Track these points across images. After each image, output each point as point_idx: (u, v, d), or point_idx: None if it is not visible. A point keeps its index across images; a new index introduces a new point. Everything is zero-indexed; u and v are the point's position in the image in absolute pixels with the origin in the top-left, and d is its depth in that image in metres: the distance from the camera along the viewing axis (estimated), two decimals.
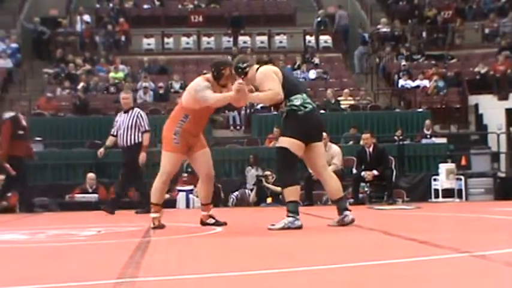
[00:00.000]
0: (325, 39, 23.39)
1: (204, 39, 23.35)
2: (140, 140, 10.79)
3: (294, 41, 23.51)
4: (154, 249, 5.19)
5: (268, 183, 13.62)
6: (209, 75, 6.88)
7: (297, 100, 6.50)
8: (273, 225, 6.46)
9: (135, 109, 11.10)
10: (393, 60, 21.72)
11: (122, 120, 10.87)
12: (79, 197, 13.51)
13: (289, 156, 6.44)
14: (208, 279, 3.63)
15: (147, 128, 10.86)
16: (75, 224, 8.65)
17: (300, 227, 6.41)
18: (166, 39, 23.26)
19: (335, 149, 13.20)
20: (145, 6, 25.16)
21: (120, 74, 20.41)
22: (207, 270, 3.92)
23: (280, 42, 23.64)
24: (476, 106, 19.38)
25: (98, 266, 4.30)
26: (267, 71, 6.62)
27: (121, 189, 11.34)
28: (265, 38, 23.66)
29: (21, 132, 12.15)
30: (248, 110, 18.48)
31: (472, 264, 3.94)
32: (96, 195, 13.42)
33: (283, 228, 6.35)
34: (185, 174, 14.28)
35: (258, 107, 18.29)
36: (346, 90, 18.98)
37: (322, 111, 17.61)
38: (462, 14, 23.76)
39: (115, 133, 10.94)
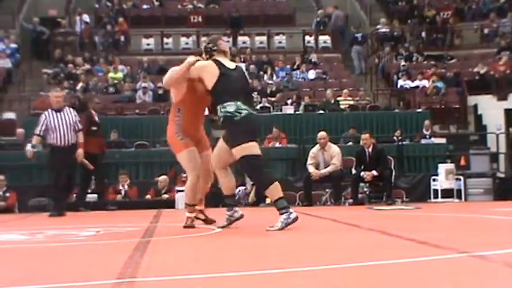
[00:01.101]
0: (325, 40, 23.40)
1: (204, 39, 23.29)
2: (75, 139, 10.91)
3: (293, 41, 23.52)
4: (154, 250, 5.18)
5: None
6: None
7: (230, 107, 6.53)
8: (272, 226, 6.47)
9: (67, 108, 11.17)
10: (392, 60, 21.72)
11: (56, 120, 10.79)
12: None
13: (254, 160, 6.51)
14: (208, 279, 3.63)
15: (80, 126, 11.02)
16: (74, 224, 8.64)
17: (296, 218, 6.45)
18: (165, 40, 23.26)
19: (334, 149, 13.20)
20: (145, 7, 25.16)
21: (120, 74, 20.42)
22: (207, 270, 3.92)
23: (280, 42, 23.65)
24: (475, 106, 19.38)
25: (97, 267, 4.29)
26: (205, 65, 6.72)
27: (82, 190, 11.59)
28: (264, 38, 23.66)
29: (94, 128, 12.29)
30: None
31: (471, 265, 3.93)
32: (95, 195, 13.39)
33: (282, 228, 6.37)
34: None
35: (258, 107, 18.29)
36: (345, 91, 18.98)
37: (321, 112, 17.74)
38: (461, 14, 23.77)
39: (42, 133, 10.84)
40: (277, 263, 4.15)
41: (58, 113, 10.84)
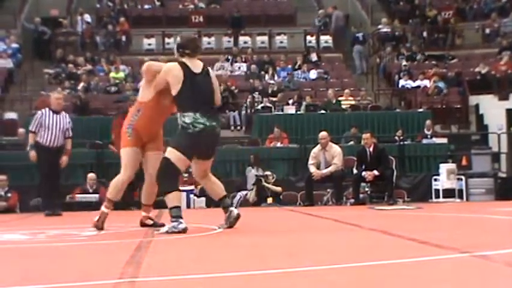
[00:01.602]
0: (326, 40, 23.39)
1: (205, 39, 23.34)
2: (62, 143, 11.03)
3: (294, 41, 23.51)
4: (155, 250, 5.19)
5: (269, 183, 13.62)
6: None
7: (188, 118, 6.50)
8: (158, 230, 6.65)
9: (64, 112, 11.31)
10: (394, 60, 21.72)
11: (52, 120, 10.92)
12: (80, 197, 13.50)
13: (170, 167, 6.52)
14: (209, 279, 3.63)
15: (71, 133, 11.14)
16: (75, 224, 8.64)
17: (184, 230, 6.44)
18: (167, 40, 23.25)
19: (335, 149, 13.20)
20: (146, 7, 25.17)
21: (121, 74, 20.42)
22: (208, 270, 3.92)
23: (281, 42, 23.65)
24: (476, 106, 19.37)
25: (99, 266, 4.29)
26: (171, 68, 6.70)
27: (56, 190, 11.50)
28: (265, 38, 23.66)
29: None
30: (249, 110, 18.48)
31: (472, 265, 3.93)
32: (97, 195, 13.40)
33: (167, 232, 6.41)
34: (186, 175, 14.28)
35: (259, 107, 18.30)
36: (346, 91, 18.98)
37: (322, 112, 17.74)
38: (463, 14, 23.76)
39: (36, 129, 10.95)
40: (278, 263, 4.15)
41: (54, 114, 10.98)
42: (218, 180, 7.08)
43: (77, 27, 23.28)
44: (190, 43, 6.88)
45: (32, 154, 11.08)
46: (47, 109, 11.06)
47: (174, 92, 6.59)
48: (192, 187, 13.72)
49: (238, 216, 6.86)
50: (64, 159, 11.06)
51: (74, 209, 12.74)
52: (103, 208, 7.07)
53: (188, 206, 13.55)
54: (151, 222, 7.28)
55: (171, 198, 6.56)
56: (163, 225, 7.07)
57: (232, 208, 6.96)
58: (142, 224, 7.29)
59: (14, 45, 21.83)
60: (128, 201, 11.78)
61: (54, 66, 20.81)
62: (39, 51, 22.56)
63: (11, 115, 17.94)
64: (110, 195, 7.06)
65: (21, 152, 13.66)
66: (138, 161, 7.06)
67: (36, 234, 6.99)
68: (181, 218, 6.53)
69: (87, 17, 23.42)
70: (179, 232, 6.40)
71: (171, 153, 6.54)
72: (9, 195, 13.16)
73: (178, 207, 6.58)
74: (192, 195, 13.81)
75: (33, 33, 22.81)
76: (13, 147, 15.39)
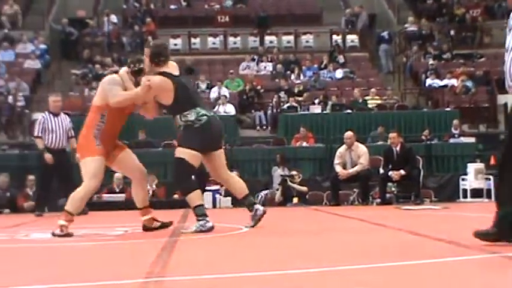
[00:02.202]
0: (352, 39, 23.29)
1: (231, 39, 23.37)
2: (65, 144, 11.26)
3: (320, 41, 23.44)
4: (181, 249, 5.20)
5: (294, 183, 13.60)
6: (122, 73, 6.67)
7: (191, 115, 6.53)
8: (187, 229, 6.59)
9: (63, 114, 11.49)
10: (420, 59, 21.55)
11: (54, 123, 11.15)
12: (106, 197, 13.59)
13: (186, 166, 6.52)
14: (235, 279, 3.63)
15: (73, 133, 11.21)
16: (103, 223, 8.70)
17: (211, 228, 6.47)
18: (192, 40, 23.32)
19: (362, 148, 13.14)
20: (172, 7, 25.25)
21: None
22: (234, 270, 3.92)
23: (307, 41, 23.58)
24: (505, 105, 19.12)
25: (126, 265, 4.31)
26: (159, 83, 6.51)
27: (47, 190, 11.61)
28: (291, 38, 23.62)
29: None
30: (275, 110, 18.47)
31: (501, 265, 3.89)
32: (123, 195, 13.49)
33: (196, 232, 6.41)
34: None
35: (285, 106, 18.27)
36: (373, 90, 18.89)
37: (348, 111, 17.66)
38: (491, 12, 23.51)
39: (40, 133, 11.22)
40: (305, 264, 4.13)
41: (55, 117, 11.22)
42: (241, 179, 7.09)
43: (104, 28, 23.44)
44: (164, 50, 6.77)
45: (47, 156, 11.26)
46: (47, 112, 11.36)
47: (168, 101, 6.56)
48: (217, 187, 13.73)
49: (264, 213, 6.85)
50: (77, 156, 11.18)
51: (101, 208, 12.82)
52: (61, 221, 6.46)
53: (214, 206, 13.57)
54: (158, 224, 6.97)
55: (193, 198, 6.57)
56: (171, 224, 7.03)
57: (257, 206, 6.95)
58: (148, 228, 6.90)
59: (42, 46, 22.04)
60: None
61: (81, 67, 20.96)
62: (67, 52, 22.75)
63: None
64: (71, 209, 6.51)
65: None
66: (102, 174, 6.69)
67: None
68: (206, 216, 6.55)
69: (114, 18, 23.56)
70: (206, 231, 6.42)
71: (184, 153, 6.53)
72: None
73: (202, 205, 6.60)
74: (217, 195, 13.83)
75: (61, 34, 23.00)
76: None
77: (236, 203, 13.54)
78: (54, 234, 6.43)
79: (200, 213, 6.53)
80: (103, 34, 23.17)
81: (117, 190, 13.67)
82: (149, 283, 3.43)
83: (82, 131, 6.75)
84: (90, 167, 6.58)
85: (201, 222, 6.48)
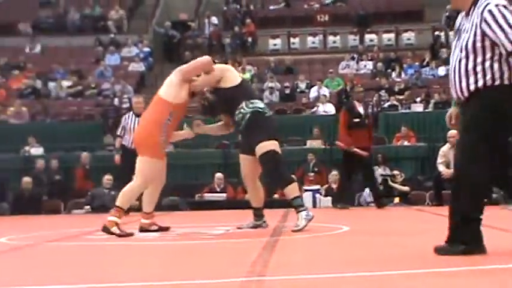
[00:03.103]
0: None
1: (330, 38, 23.25)
2: None
3: (422, 38, 22.97)
4: (282, 249, 5.19)
5: (396, 182, 13.38)
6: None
7: (259, 104, 6.55)
8: (297, 226, 6.42)
9: None
10: None
11: (132, 123, 11.29)
12: (208, 196, 13.78)
13: (278, 158, 6.45)
14: (335, 279, 3.58)
15: None
16: (204, 222, 8.82)
17: (313, 217, 6.45)
18: (292, 39, 23.35)
19: None
20: (272, 7, 25.38)
21: (247, 75, 20.68)
22: (334, 270, 3.87)
23: (408, 39, 23.17)
24: None
25: (226, 264, 4.35)
26: (229, 68, 6.82)
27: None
28: (392, 36, 23.26)
29: (357, 120, 11.53)
30: (375, 109, 18.23)
31: None
32: (224, 194, 13.65)
33: (306, 225, 6.35)
34: (311, 174, 14.28)
35: (386, 105, 18.01)
36: None
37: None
38: None
39: (122, 134, 11.46)
40: (408, 264, 4.04)
41: (137, 118, 11.33)
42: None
43: (205, 30, 23.83)
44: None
45: (116, 158, 11.64)
46: (131, 113, 11.64)
47: (234, 83, 6.59)
48: (318, 186, 13.68)
49: (311, 218, 6.53)
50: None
51: (202, 207, 13.02)
52: (112, 217, 6.50)
53: (314, 206, 13.52)
54: (156, 227, 6.96)
55: (291, 189, 6.53)
56: (168, 228, 6.97)
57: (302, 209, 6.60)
58: (144, 230, 6.88)
59: (146, 49, 22.64)
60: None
61: None
62: (169, 55, 23.27)
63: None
64: (121, 204, 6.52)
65: None
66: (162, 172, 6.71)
67: (166, 232, 7.17)
68: (304, 205, 6.55)
69: (214, 20, 23.92)
70: (311, 219, 6.40)
71: (271, 145, 6.44)
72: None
73: (299, 196, 6.59)
74: (318, 195, 13.77)
75: (164, 37, 23.55)
76: None
77: (337, 203, 13.45)
78: (111, 232, 6.41)
79: (300, 203, 6.51)
80: (204, 36, 23.56)
81: (218, 190, 13.85)
82: (250, 282, 3.44)
83: (146, 125, 6.69)
84: (150, 170, 6.59)
85: (304, 213, 6.43)
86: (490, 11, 4.28)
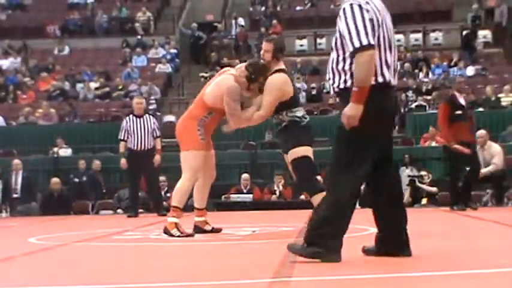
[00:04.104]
0: (484, 35, 22.44)
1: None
2: (153, 144, 11.40)
3: (450, 37, 22.78)
4: None
5: (424, 183, 13.29)
6: (240, 74, 6.57)
7: (299, 112, 6.53)
8: None
9: (147, 115, 11.66)
10: None
11: (137, 125, 11.29)
12: (234, 197, 13.79)
13: (310, 165, 6.45)
14: (364, 280, 3.57)
15: (159, 133, 11.53)
16: (230, 223, 8.83)
17: None
18: (318, 40, 23.29)
19: (495, 148, 12.63)
20: (298, 8, 25.36)
21: None
22: (360, 271, 3.86)
23: (436, 39, 22.99)
24: None
25: (253, 265, 4.34)
26: (280, 80, 6.48)
27: (135, 192, 11.79)
28: (419, 36, 23.10)
29: (459, 112, 10.65)
30: (402, 109, 18.12)
31: None
32: (250, 195, 13.65)
33: None
34: None
35: (413, 106, 17.88)
36: (506, 87, 18.12)
37: (480, 109, 17.04)
38: None
39: (124, 137, 11.40)
40: (439, 266, 4.01)
41: (138, 119, 11.40)
42: None
43: (231, 31, 23.87)
44: (284, 45, 6.92)
45: (122, 162, 11.59)
46: (131, 115, 11.57)
47: (288, 97, 6.50)
48: None
49: None
50: (157, 158, 11.53)
51: (229, 208, 13.04)
52: (171, 219, 6.56)
53: None
54: (210, 227, 6.93)
55: (318, 198, 6.50)
56: (220, 230, 6.92)
57: None
58: (199, 230, 6.85)
59: (173, 50, 22.74)
60: None
61: (209, 70, 21.43)
62: (196, 56, 23.35)
63: (170, 118, 18.64)
64: (177, 203, 6.56)
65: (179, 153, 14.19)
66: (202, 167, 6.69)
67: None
68: None
69: (241, 21, 23.95)
70: None
71: (304, 151, 6.46)
72: (168, 195, 13.66)
73: None
74: None
75: (190, 38, 23.64)
76: (172, 149, 15.97)
77: (364, 203, 13.37)
78: (172, 235, 6.43)
79: None
80: (230, 37, 23.60)
81: (245, 191, 13.85)
82: (277, 283, 3.43)
83: (183, 122, 6.78)
84: (193, 162, 6.59)
85: None
86: (344, 9, 4.21)
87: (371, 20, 4.15)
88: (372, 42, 4.10)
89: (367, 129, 4.12)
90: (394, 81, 4.34)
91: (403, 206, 4.54)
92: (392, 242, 4.38)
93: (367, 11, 4.17)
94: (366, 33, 4.09)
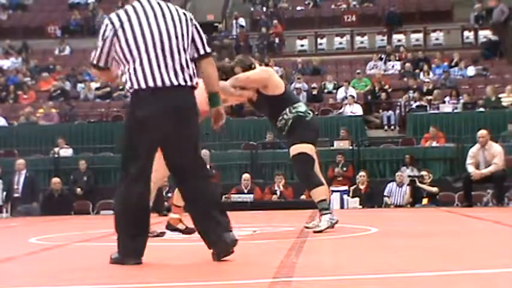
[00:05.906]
0: (485, 35, 22.43)
1: (358, 38, 23.15)
2: None
3: (451, 38, 22.78)
4: (309, 250, 5.18)
5: (424, 183, 13.30)
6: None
7: (301, 107, 6.54)
8: (318, 226, 6.40)
9: None
10: None
11: None
12: (235, 197, 13.80)
13: (309, 160, 6.47)
14: (365, 280, 3.56)
15: None
16: (231, 223, 8.82)
17: (337, 221, 6.40)
18: (319, 40, 23.31)
19: (496, 148, 12.65)
20: (299, 8, 25.36)
21: None
22: (363, 271, 3.85)
23: (436, 39, 22.99)
24: None
25: (253, 266, 4.35)
26: (262, 68, 6.72)
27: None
28: (420, 36, 23.10)
29: None
30: (403, 109, 18.13)
31: None
32: (251, 195, 13.66)
33: (328, 228, 6.32)
34: (339, 174, 14.25)
35: (414, 106, 17.89)
36: (508, 87, 18.10)
37: (481, 109, 17.05)
38: None
39: None
40: (440, 266, 4.01)
41: None
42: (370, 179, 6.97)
43: (232, 31, 23.86)
44: (249, 58, 6.94)
45: None
46: None
47: (279, 91, 6.53)
48: (345, 187, 13.64)
49: (336, 222, 6.50)
50: None
51: (229, 208, 13.02)
52: (173, 214, 6.69)
53: (342, 207, 13.48)
54: (183, 226, 6.78)
55: (317, 192, 6.53)
56: (193, 232, 6.87)
57: (328, 213, 6.52)
58: (172, 228, 6.77)
59: None
60: None
61: None
62: None
63: None
64: (176, 202, 6.58)
65: None
66: None
67: (192, 233, 7.18)
68: (329, 209, 6.52)
69: (242, 21, 23.95)
70: (335, 223, 6.38)
71: (304, 148, 6.48)
72: (169, 195, 13.67)
73: (325, 199, 6.56)
74: (345, 196, 13.73)
75: None
76: None
77: (365, 203, 13.42)
78: (175, 229, 6.57)
79: (325, 206, 6.50)
80: (231, 37, 23.61)
81: (246, 191, 13.86)
82: (277, 283, 3.43)
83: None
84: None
85: (327, 216, 6.42)
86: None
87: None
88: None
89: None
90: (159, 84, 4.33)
91: (216, 215, 4.62)
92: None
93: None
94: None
